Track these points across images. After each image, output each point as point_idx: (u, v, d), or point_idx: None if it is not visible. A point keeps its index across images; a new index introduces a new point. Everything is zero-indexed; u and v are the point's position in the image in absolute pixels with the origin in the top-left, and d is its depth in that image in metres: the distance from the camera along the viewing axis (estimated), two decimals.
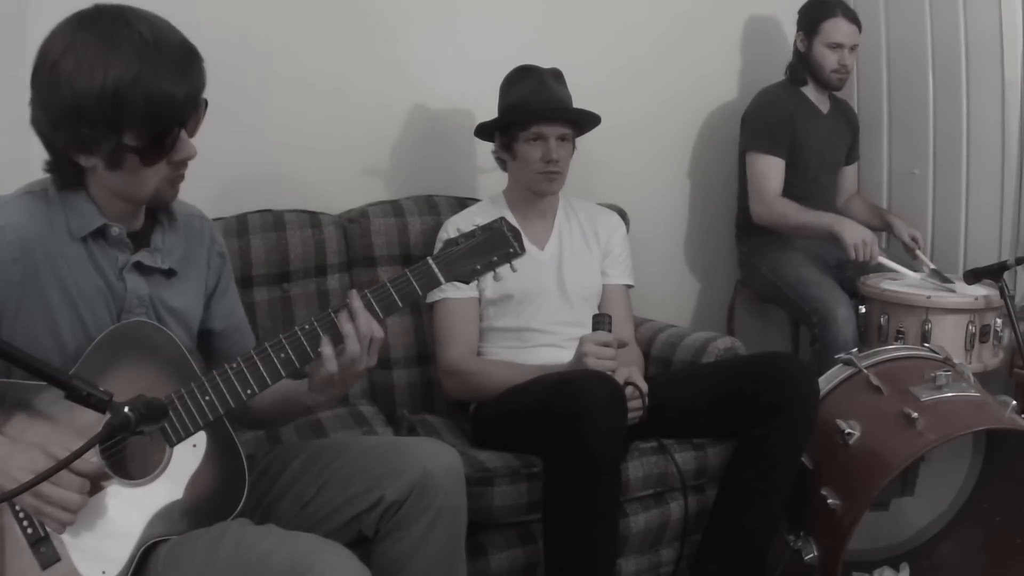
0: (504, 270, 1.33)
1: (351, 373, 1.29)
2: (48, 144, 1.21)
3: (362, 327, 1.25)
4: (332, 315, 1.26)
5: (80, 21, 1.16)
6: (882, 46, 2.93)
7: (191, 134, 1.23)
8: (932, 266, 2.53)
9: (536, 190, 2.12)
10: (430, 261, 1.30)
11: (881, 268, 2.49)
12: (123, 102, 1.13)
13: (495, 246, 1.32)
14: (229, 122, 2.13)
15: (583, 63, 2.31)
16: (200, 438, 1.26)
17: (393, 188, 2.43)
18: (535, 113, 2.04)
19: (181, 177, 1.27)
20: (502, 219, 1.34)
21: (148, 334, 1.28)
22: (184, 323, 1.38)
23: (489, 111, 2.15)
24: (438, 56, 2.46)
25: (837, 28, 2.62)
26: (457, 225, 2.06)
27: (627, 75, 2.75)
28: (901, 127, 2.92)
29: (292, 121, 2.29)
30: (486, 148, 2.23)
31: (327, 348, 1.25)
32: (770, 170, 2.65)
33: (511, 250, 1.32)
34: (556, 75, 2.10)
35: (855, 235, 2.45)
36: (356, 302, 1.26)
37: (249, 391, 1.24)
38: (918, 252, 2.62)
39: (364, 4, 2.36)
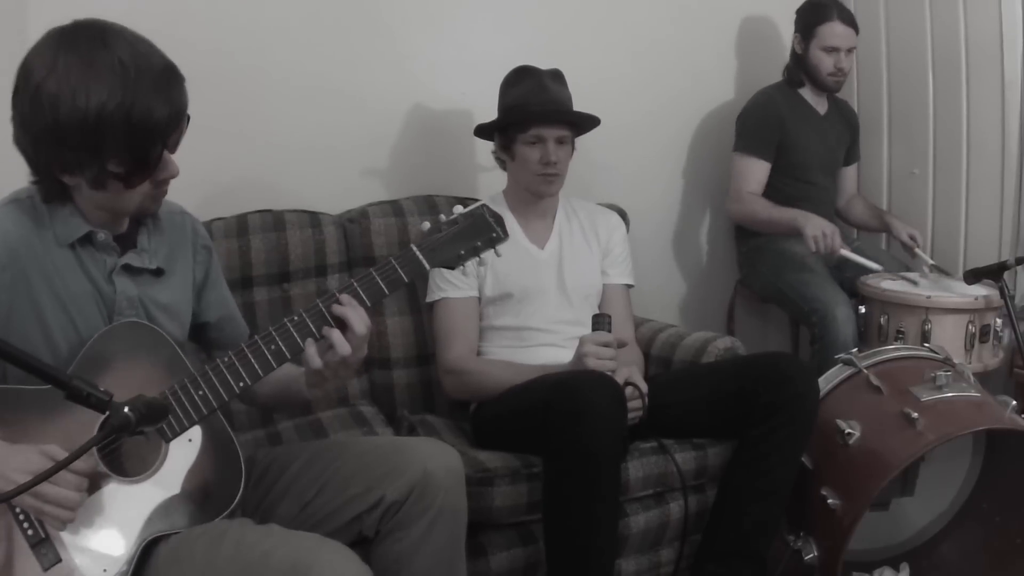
0: (489, 256, 1.35)
1: (344, 368, 1.29)
2: (31, 162, 1.22)
3: (356, 326, 1.25)
4: (321, 306, 1.27)
5: (61, 41, 1.15)
6: (882, 46, 2.93)
7: (173, 151, 1.24)
8: (931, 262, 2.54)
9: (535, 192, 2.12)
10: (414, 248, 1.31)
11: (845, 261, 2.49)
12: (105, 129, 1.13)
13: (478, 232, 1.34)
14: (229, 123, 2.14)
15: (582, 63, 2.31)
16: (195, 432, 1.27)
17: (393, 188, 2.43)
18: (533, 116, 2.03)
19: (164, 192, 1.29)
20: (484, 205, 1.36)
21: (140, 334, 1.29)
22: (176, 319, 1.39)
23: (489, 111, 2.15)
24: (438, 56, 2.46)
25: (833, 32, 2.61)
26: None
27: (627, 75, 2.75)
28: (901, 127, 2.92)
29: (292, 121, 2.29)
30: (486, 148, 2.23)
31: (310, 348, 1.26)
32: (749, 171, 2.67)
33: (494, 235, 1.34)
34: (556, 76, 2.09)
35: (815, 227, 2.45)
36: (343, 309, 1.26)
37: (242, 384, 1.25)
38: (917, 250, 2.63)
39: (364, 4, 2.36)
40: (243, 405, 1.99)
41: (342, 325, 1.26)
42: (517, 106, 2.06)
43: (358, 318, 1.26)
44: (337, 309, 1.26)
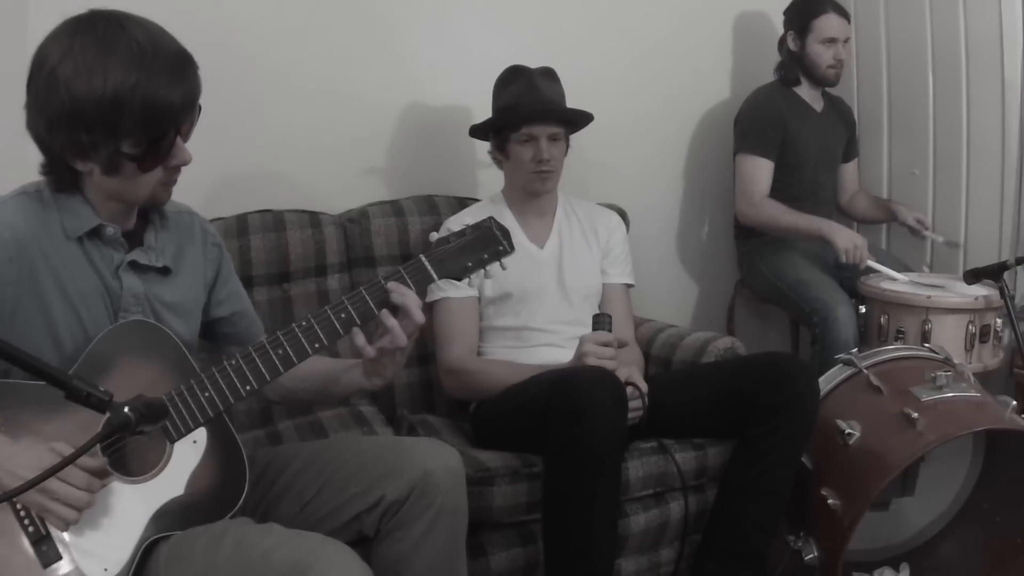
0: (495, 268, 1.36)
1: (401, 353, 1.32)
2: (44, 147, 1.22)
3: (411, 307, 1.28)
4: (328, 312, 1.27)
5: (77, 26, 1.17)
6: (882, 46, 2.93)
7: (185, 139, 1.25)
8: (940, 239, 2.55)
9: (530, 190, 2.12)
10: (423, 258, 1.32)
11: (869, 271, 2.50)
12: (121, 109, 1.14)
13: (485, 244, 1.35)
14: (229, 122, 2.14)
15: (581, 63, 2.32)
16: (200, 434, 1.27)
17: (393, 188, 2.43)
18: (524, 116, 2.04)
19: (175, 181, 1.29)
20: (491, 218, 1.37)
21: (147, 333, 1.29)
22: (183, 318, 1.39)
23: (488, 110, 2.15)
24: (437, 56, 2.46)
25: (829, 24, 2.63)
26: (449, 226, 2.06)
27: (625, 75, 2.75)
28: (901, 127, 2.93)
29: (292, 121, 2.29)
30: (485, 147, 2.23)
31: (358, 339, 1.29)
32: (757, 172, 2.66)
33: (500, 248, 1.35)
34: (547, 73, 2.10)
35: (847, 240, 2.47)
36: (399, 287, 1.29)
37: (248, 387, 1.25)
38: (926, 232, 2.64)
39: (364, 4, 2.36)
40: (242, 405, 2.00)
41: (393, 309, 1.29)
42: (508, 106, 2.07)
43: (413, 304, 1.29)
44: (388, 305, 1.29)
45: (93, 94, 1.13)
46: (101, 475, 1.18)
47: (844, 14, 2.66)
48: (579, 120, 2.13)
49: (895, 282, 2.42)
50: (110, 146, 1.17)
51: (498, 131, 2.11)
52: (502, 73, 2.13)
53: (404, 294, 1.29)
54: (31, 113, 1.19)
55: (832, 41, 2.64)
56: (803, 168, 2.71)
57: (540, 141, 2.04)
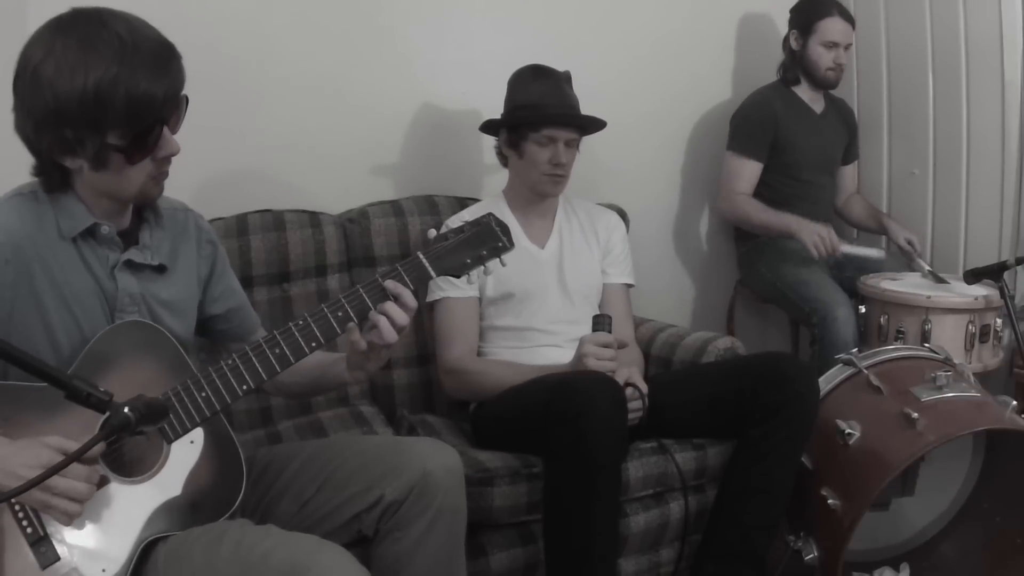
0: (494, 264, 1.35)
1: (385, 349, 1.32)
2: (33, 148, 1.22)
3: (397, 313, 1.28)
4: (325, 310, 1.27)
5: (58, 25, 1.17)
6: (882, 46, 2.93)
7: (174, 131, 1.25)
8: (928, 268, 2.55)
9: (540, 191, 2.12)
10: (420, 255, 1.31)
11: (848, 257, 2.51)
12: (104, 103, 1.14)
13: (484, 241, 1.33)
14: (229, 122, 2.14)
15: (583, 63, 2.31)
16: (197, 434, 1.27)
17: (393, 188, 2.43)
18: (550, 117, 2.03)
19: (165, 174, 1.29)
20: (490, 214, 1.36)
21: (144, 334, 1.29)
22: (180, 315, 1.39)
23: (490, 111, 2.15)
24: (439, 56, 2.46)
25: (834, 27, 2.64)
26: (449, 225, 2.06)
27: (627, 75, 2.75)
28: (901, 127, 2.92)
29: (292, 121, 2.29)
30: (486, 148, 2.23)
31: (354, 333, 1.29)
32: (741, 170, 2.69)
33: (500, 244, 1.34)
34: (568, 79, 2.10)
35: (811, 233, 2.48)
36: (397, 287, 1.29)
37: (245, 387, 1.25)
38: (915, 257, 2.64)
39: (365, 4, 2.36)
40: (242, 405, 2.00)
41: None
42: (533, 105, 2.05)
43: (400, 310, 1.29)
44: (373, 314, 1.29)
45: (75, 91, 1.13)
46: (95, 464, 1.18)
47: (849, 19, 2.67)
48: (592, 127, 2.13)
49: (895, 282, 2.42)
50: (96, 140, 1.17)
51: (514, 128, 2.09)
52: (524, 69, 2.11)
53: (400, 293, 1.29)
54: (18, 115, 1.20)
55: (834, 45, 2.65)
56: (799, 169, 2.72)
57: (559, 144, 2.04)
